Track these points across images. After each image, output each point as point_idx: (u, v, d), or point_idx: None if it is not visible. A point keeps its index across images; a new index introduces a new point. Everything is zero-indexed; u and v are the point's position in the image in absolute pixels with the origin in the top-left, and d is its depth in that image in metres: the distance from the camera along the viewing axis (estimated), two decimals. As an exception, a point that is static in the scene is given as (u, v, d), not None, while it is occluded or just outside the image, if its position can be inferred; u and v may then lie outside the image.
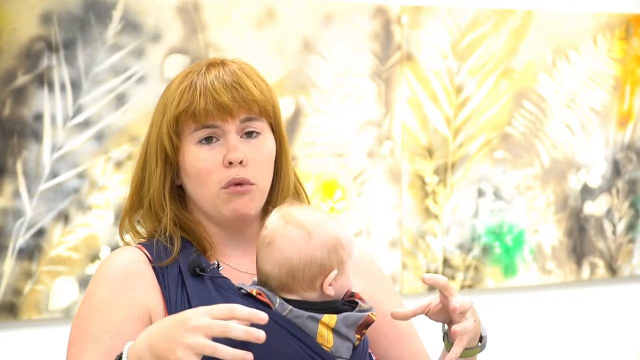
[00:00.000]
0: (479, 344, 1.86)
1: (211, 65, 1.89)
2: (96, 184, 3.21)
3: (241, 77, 1.87)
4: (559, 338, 3.98)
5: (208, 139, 1.86)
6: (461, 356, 1.82)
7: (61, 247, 3.18)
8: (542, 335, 3.96)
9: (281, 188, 1.93)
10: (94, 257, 3.21)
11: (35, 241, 3.14)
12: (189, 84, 1.87)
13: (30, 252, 3.14)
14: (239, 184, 1.85)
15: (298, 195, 1.97)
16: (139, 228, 1.93)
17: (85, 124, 3.20)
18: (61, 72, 3.16)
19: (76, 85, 3.18)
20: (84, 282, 3.20)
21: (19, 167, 3.12)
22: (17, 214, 3.12)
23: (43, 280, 3.15)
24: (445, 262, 3.75)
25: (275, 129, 1.92)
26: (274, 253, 1.74)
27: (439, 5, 3.70)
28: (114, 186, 3.23)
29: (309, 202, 1.99)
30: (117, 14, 3.23)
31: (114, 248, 3.20)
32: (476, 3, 3.76)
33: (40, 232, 3.15)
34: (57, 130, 3.16)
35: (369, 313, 1.76)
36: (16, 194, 3.12)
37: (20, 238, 3.13)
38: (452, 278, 3.75)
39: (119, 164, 3.24)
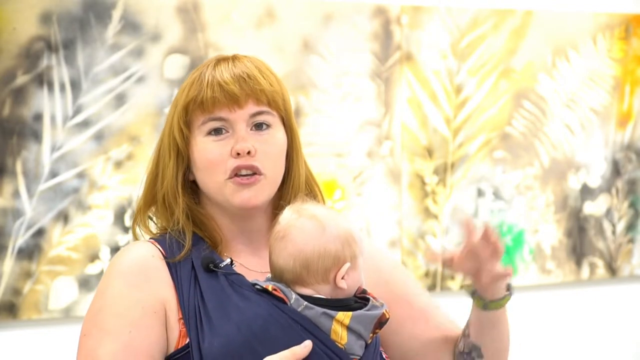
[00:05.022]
0: (507, 292, 1.89)
1: (222, 59, 1.90)
2: (96, 183, 3.21)
3: (250, 68, 1.87)
4: (559, 338, 3.98)
5: (217, 131, 1.86)
6: (493, 308, 1.88)
7: (61, 247, 3.18)
8: (542, 335, 3.96)
9: (292, 183, 1.93)
10: (93, 257, 3.21)
11: (35, 241, 3.14)
12: (199, 75, 1.88)
13: (30, 252, 3.14)
14: (245, 174, 1.85)
15: (311, 190, 1.97)
16: (151, 225, 1.93)
17: (85, 124, 3.20)
18: (61, 72, 3.15)
19: (76, 85, 3.18)
20: (83, 282, 3.20)
21: (19, 167, 3.12)
22: (17, 213, 3.12)
23: (43, 280, 3.15)
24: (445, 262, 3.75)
25: (286, 122, 1.92)
26: (288, 245, 1.76)
27: (439, 5, 3.70)
28: (113, 186, 3.23)
29: (322, 197, 1.99)
30: (116, 14, 3.23)
31: (114, 248, 3.20)
32: (476, 3, 3.76)
33: (40, 232, 3.15)
34: (57, 130, 3.16)
35: (383, 311, 1.77)
36: (16, 194, 3.12)
37: (19, 238, 3.13)
38: (452, 278, 3.76)
39: (118, 164, 3.23)
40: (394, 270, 2.02)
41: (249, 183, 1.85)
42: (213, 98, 1.84)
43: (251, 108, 1.86)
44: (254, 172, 1.85)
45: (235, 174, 1.85)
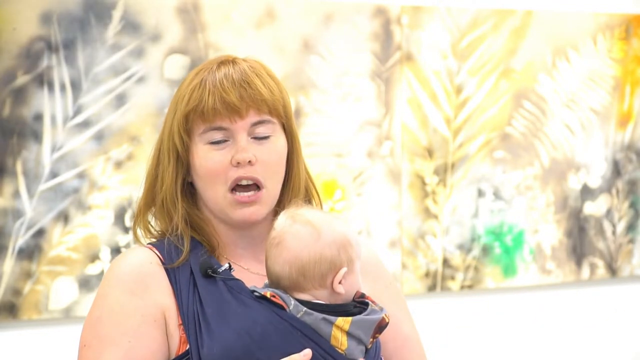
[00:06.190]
0: None
1: (222, 63, 1.88)
2: (96, 184, 3.21)
3: (250, 76, 1.86)
4: (559, 338, 3.98)
5: (218, 139, 1.86)
6: None
7: (61, 247, 3.18)
8: (542, 336, 3.96)
9: (291, 188, 1.93)
10: (93, 257, 3.21)
11: (35, 241, 3.14)
12: (199, 81, 1.86)
13: (30, 252, 3.14)
14: (246, 184, 1.84)
15: (309, 194, 1.96)
16: (151, 226, 1.93)
17: (85, 124, 3.20)
18: (61, 72, 3.15)
19: (76, 85, 3.18)
20: (83, 282, 3.20)
21: (19, 167, 3.12)
22: (17, 214, 3.12)
23: (43, 280, 3.15)
24: (445, 262, 3.75)
25: (286, 128, 1.91)
26: (283, 252, 1.75)
27: (439, 6, 3.69)
28: (113, 186, 3.23)
29: (320, 201, 1.98)
30: (117, 14, 3.23)
31: (114, 248, 3.20)
32: (476, 3, 3.76)
33: (40, 232, 3.15)
34: (57, 130, 3.16)
35: (383, 315, 1.76)
36: (16, 194, 3.12)
37: (20, 238, 3.13)
38: (452, 278, 3.75)
39: (118, 164, 3.23)
40: (389, 286, 2.00)
41: (250, 201, 1.84)
42: (214, 109, 1.83)
43: (252, 118, 1.85)
44: (255, 183, 1.85)
45: (237, 184, 1.84)
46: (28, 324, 3.16)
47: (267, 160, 1.86)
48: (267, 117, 1.86)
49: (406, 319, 2.00)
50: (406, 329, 1.97)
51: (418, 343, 2.01)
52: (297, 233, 1.75)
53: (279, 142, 1.89)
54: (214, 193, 1.86)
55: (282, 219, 1.78)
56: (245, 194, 1.84)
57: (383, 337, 1.84)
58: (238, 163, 1.83)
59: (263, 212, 1.87)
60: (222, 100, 1.83)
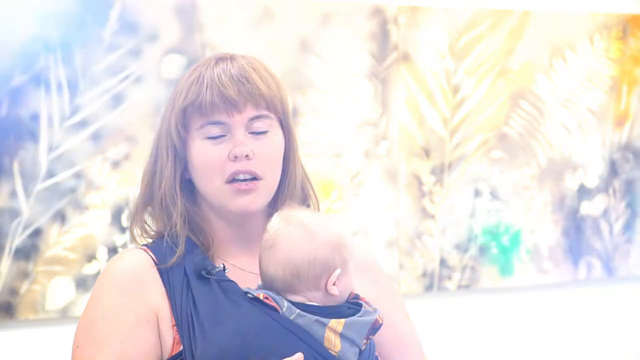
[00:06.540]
0: None
1: (220, 59, 1.89)
2: (93, 183, 3.21)
3: (248, 71, 1.86)
4: (556, 338, 3.98)
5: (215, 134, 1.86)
6: None
7: (58, 247, 3.17)
8: (539, 336, 3.96)
9: (287, 185, 1.93)
10: (90, 257, 3.21)
11: (32, 241, 3.14)
12: (197, 76, 1.87)
13: (27, 252, 3.13)
14: (244, 180, 1.84)
15: (306, 193, 1.96)
16: (147, 226, 1.92)
17: (82, 124, 3.19)
18: (58, 72, 3.15)
19: (73, 85, 3.17)
20: (80, 282, 3.20)
21: (16, 167, 3.12)
22: (14, 213, 3.12)
23: (40, 280, 3.15)
24: (442, 262, 3.75)
25: (284, 124, 1.92)
26: (277, 254, 1.75)
27: (436, 5, 3.69)
28: (110, 186, 3.23)
29: (316, 199, 1.98)
30: (114, 14, 3.22)
31: (111, 248, 3.20)
32: (473, 3, 3.76)
33: (37, 232, 3.15)
34: (54, 130, 3.16)
35: (376, 316, 1.76)
36: (13, 194, 3.12)
37: (16, 238, 3.12)
38: (449, 278, 3.75)
39: (115, 164, 3.23)
40: (385, 286, 2.00)
41: (247, 189, 1.84)
42: (212, 103, 1.84)
43: (250, 112, 1.85)
44: (253, 176, 1.85)
45: (234, 178, 1.84)
46: (25, 324, 3.16)
47: (264, 155, 1.86)
48: (264, 112, 1.87)
49: (404, 318, 2.00)
50: (404, 328, 1.98)
51: (416, 343, 2.01)
52: (291, 235, 1.75)
53: (277, 137, 1.89)
54: (211, 186, 1.86)
55: (276, 220, 1.78)
56: (243, 182, 1.84)
57: (380, 337, 1.85)
58: (235, 157, 1.84)
59: (260, 202, 1.87)
60: (220, 94, 1.84)
